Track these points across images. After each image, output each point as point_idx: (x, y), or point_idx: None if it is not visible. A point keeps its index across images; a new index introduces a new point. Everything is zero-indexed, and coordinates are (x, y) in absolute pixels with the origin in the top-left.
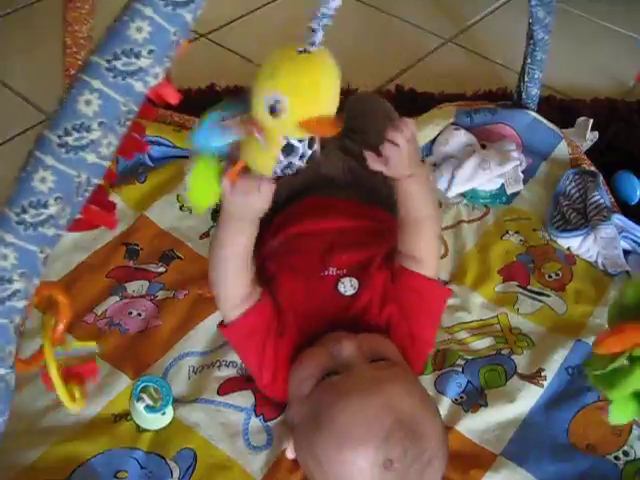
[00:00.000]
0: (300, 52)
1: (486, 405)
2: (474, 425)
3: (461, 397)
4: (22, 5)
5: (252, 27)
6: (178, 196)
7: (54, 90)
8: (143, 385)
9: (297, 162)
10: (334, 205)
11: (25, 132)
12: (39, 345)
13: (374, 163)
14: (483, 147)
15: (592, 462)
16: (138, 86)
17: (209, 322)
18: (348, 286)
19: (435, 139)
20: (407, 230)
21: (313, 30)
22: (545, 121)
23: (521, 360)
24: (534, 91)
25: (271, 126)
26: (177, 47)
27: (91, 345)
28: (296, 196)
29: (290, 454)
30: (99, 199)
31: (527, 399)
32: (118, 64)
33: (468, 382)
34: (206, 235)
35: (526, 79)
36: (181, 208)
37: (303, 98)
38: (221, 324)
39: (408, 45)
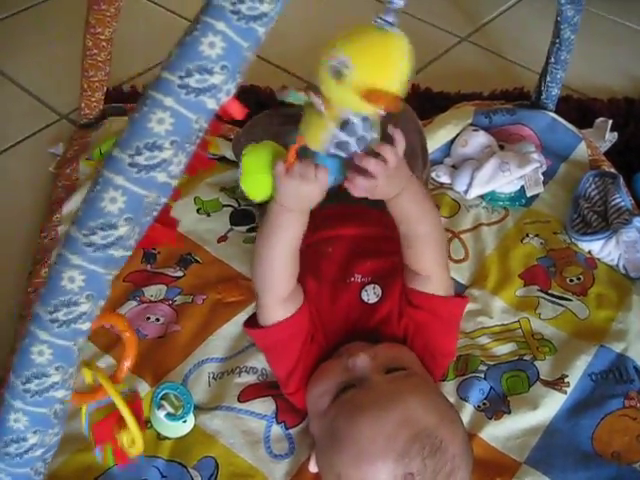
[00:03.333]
0: (378, 27)
1: (509, 412)
2: (497, 432)
3: (484, 404)
4: (35, 3)
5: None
6: (196, 199)
7: (67, 90)
8: (164, 392)
9: (353, 143)
10: (358, 212)
11: (38, 132)
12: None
13: (356, 190)
14: (501, 148)
15: (618, 471)
16: (210, 103)
17: (228, 328)
18: (371, 294)
19: (453, 140)
20: (408, 247)
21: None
22: (564, 122)
23: (544, 366)
24: (554, 91)
25: (333, 93)
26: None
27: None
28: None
29: (312, 468)
30: (161, 216)
31: (550, 406)
32: (191, 81)
33: (491, 388)
34: (224, 239)
35: (548, 79)
36: (198, 211)
37: (370, 63)
38: (249, 326)
39: (423, 44)
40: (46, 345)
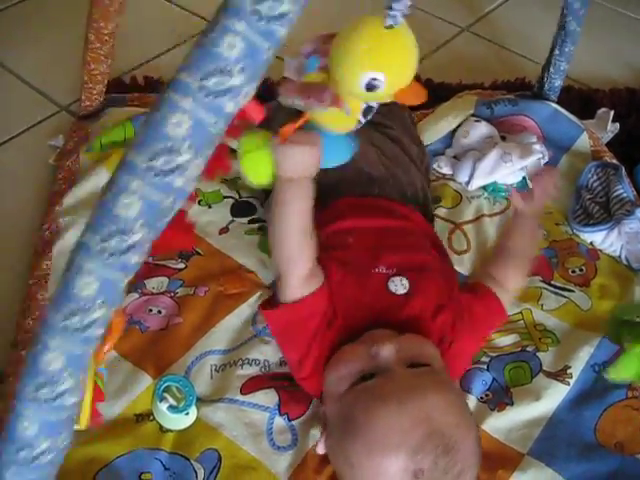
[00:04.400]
0: (388, 28)
1: (512, 403)
2: (500, 424)
3: (487, 395)
4: None
5: None
6: (196, 190)
7: (67, 81)
8: (166, 385)
9: (369, 117)
10: (376, 203)
11: (38, 124)
12: None
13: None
14: (503, 139)
15: (621, 461)
16: (229, 106)
17: (230, 319)
18: (399, 285)
19: (455, 131)
20: (505, 261)
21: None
22: (566, 113)
23: (546, 357)
24: (557, 82)
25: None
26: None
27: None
28: (335, 191)
29: (320, 449)
30: (177, 220)
31: (553, 397)
32: (209, 83)
33: (493, 380)
34: (225, 230)
35: (551, 70)
36: (199, 203)
37: (399, 75)
38: (265, 307)
39: (424, 34)
40: (58, 352)
